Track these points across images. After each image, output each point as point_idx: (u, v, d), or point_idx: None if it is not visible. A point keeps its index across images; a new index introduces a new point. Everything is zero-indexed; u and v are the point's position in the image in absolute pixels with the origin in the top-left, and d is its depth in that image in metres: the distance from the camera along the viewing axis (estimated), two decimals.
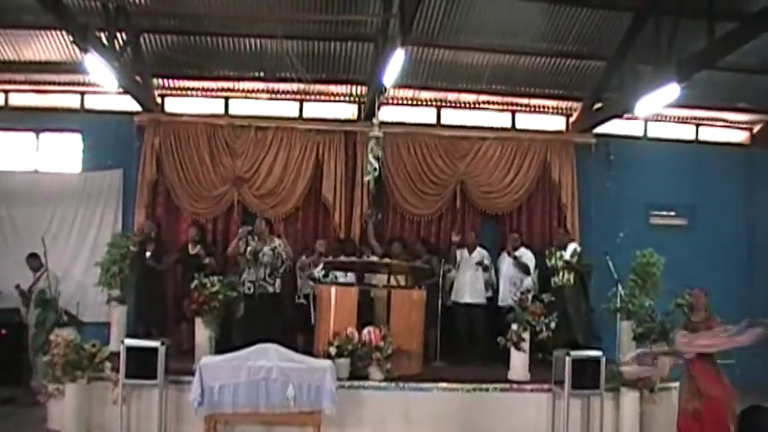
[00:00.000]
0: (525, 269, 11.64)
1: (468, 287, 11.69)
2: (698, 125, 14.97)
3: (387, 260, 11.18)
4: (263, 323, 10.09)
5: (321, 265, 11.44)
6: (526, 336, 9.50)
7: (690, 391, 8.18)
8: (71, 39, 10.45)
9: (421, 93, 13.95)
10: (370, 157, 10.93)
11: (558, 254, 11.65)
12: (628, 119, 13.89)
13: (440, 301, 11.15)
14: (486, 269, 11.70)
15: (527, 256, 11.80)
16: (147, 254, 11.66)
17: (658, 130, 14.79)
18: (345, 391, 8.64)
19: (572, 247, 11.70)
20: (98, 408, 8.73)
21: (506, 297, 11.33)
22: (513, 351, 9.54)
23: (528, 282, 11.51)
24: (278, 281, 10.54)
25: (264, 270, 10.40)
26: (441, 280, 11.35)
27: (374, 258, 11.48)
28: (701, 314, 8.35)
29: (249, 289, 10.44)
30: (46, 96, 13.67)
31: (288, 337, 10.37)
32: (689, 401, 8.15)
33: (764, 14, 8.89)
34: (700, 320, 8.29)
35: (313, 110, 13.95)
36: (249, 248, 10.45)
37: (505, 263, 11.84)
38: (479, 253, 11.85)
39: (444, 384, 9.23)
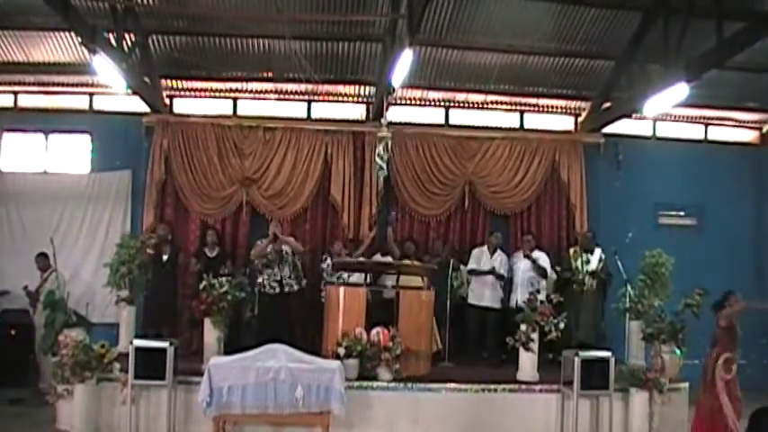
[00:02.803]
0: (543, 273, 11.52)
1: (488, 290, 11.62)
2: (707, 125, 14.91)
3: (404, 261, 11.25)
4: (281, 322, 10.39)
5: (330, 264, 11.55)
6: (535, 336, 9.49)
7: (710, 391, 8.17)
8: (79, 40, 10.49)
9: (429, 93, 13.93)
10: (377, 158, 10.92)
11: (585, 257, 11.61)
12: (636, 119, 13.87)
13: (449, 302, 11.11)
14: (501, 278, 11.64)
15: (543, 258, 11.69)
16: (164, 257, 11.65)
17: (667, 130, 14.73)
18: (354, 392, 8.64)
19: (598, 252, 11.65)
20: (107, 408, 8.76)
21: (522, 298, 11.17)
22: (522, 351, 9.53)
23: (543, 283, 11.44)
24: (302, 279, 10.95)
25: (289, 268, 10.66)
26: (450, 281, 11.31)
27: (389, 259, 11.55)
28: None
29: (273, 288, 10.56)
30: (55, 98, 13.69)
31: (306, 336, 10.51)
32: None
33: None
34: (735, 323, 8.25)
35: (321, 110, 13.94)
36: (270, 248, 10.56)
37: (521, 265, 11.73)
38: (501, 256, 11.81)
39: (453, 385, 9.22)
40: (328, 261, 11.71)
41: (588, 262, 11.56)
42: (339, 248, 11.92)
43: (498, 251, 11.87)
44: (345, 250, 11.97)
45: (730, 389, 7.98)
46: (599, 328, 11.48)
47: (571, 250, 11.94)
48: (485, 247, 11.96)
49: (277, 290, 10.63)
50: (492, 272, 11.59)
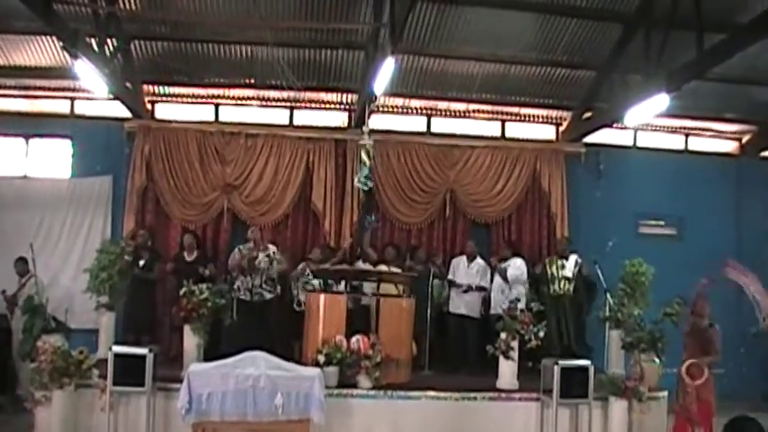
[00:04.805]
0: (506, 278, 11.58)
1: (465, 299, 11.66)
2: (687, 135, 15.03)
3: (381, 267, 11.25)
4: (260, 330, 10.35)
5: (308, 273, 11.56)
6: (515, 344, 9.50)
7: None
8: (61, 44, 10.42)
9: (411, 101, 13.96)
10: (363, 165, 10.92)
11: (560, 263, 11.65)
12: (617, 128, 13.95)
13: (429, 311, 11.12)
14: (481, 289, 11.70)
15: (515, 265, 11.69)
16: (141, 262, 11.59)
17: (648, 140, 14.84)
18: (334, 400, 8.60)
19: (573, 258, 11.70)
20: (85, 415, 8.66)
21: (496, 306, 11.30)
22: (501, 360, 9.53)
23: (520, 290, 11.48)
24: (277, 287, 10.87)
25: (261, 277, 10.59)
26: (430, 289, 11.31)
27: (367, 266, 11.55)
28: (705, 321, 8.40)
29: (245, 296, 10.58)
30: (36, 102, 13.62)
31: (284, 343, 10.46)
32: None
33: (753, 26, 8.93)
34: (704, 327, 8.35)
35: (303, 117, 13.95)
36: (245, 256, 10.54)
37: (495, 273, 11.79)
38: (479, 264, 11.85)
39: (433, 393, 9.20)
40: (306, 270, 11.72)
41: (563, 267, 11.60)
42: (317, 255, 11.94)
43: (477, 259, 11.93)
44: (322, 256, 12.02)
45: (699, 393, 8.06)
46: (570, 336, 11.41)
47: (547, 260, 11.99)
48: (463, 257, 12.02)
49: (248, 297, 10.66)
50: (468, 289, 11.66)
